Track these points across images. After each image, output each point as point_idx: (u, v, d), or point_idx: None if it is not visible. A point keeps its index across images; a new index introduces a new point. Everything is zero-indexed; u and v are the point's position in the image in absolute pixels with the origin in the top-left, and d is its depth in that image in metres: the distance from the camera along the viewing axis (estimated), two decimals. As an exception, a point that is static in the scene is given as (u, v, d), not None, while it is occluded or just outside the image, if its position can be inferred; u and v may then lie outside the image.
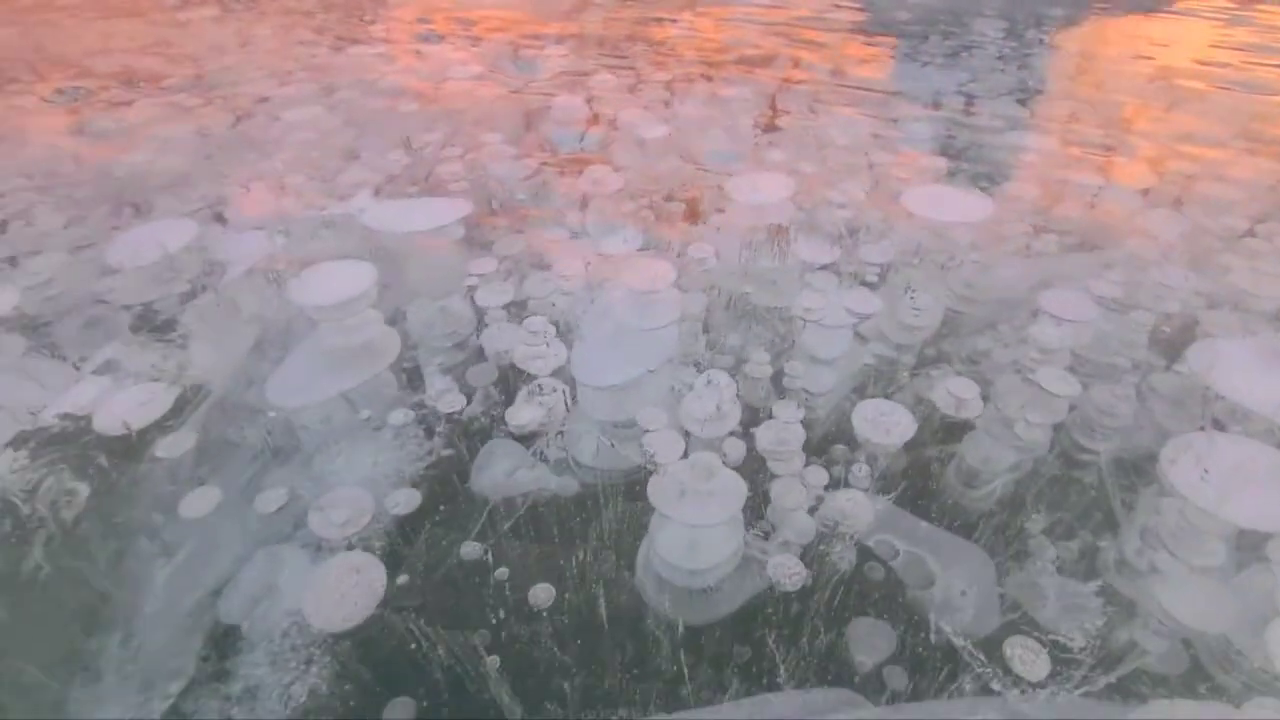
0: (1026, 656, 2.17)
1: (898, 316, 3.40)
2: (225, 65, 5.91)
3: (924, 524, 2.90)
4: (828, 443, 2.94)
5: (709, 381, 2.62)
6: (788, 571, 2.28)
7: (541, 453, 2.98)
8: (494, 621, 2.25)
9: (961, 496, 3.04)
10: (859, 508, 2.69)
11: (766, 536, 2.69)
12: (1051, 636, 2.30)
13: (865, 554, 2.72)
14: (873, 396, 3.24)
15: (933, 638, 2.30)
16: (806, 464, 2.77)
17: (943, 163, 4.32)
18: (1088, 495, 3.00)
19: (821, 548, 2.51)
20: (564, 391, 2.93)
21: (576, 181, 4.01)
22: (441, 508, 2.84)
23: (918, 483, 2.90)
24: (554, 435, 2.98)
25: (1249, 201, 3.77)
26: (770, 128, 4.78)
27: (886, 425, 2.60)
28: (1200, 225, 3.64)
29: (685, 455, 2.57)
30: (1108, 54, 5.99)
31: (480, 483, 2.99)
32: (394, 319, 3.50)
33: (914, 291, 3.16)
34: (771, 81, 5.51)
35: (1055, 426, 2.96)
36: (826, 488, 2.65)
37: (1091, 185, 4.01)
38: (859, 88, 5.53)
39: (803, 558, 2.50)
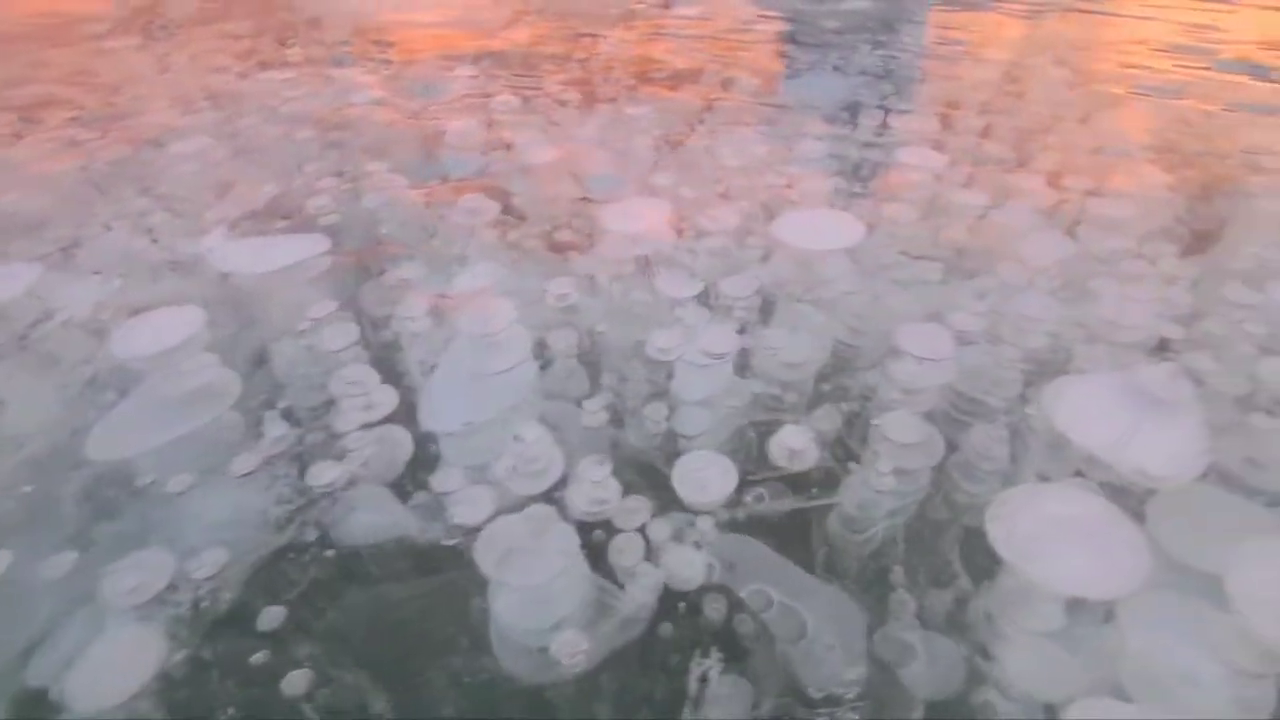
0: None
1: (762, 356, 3.27)
2: (136, 95, 5.83)
3: (801, 573, 2.78)
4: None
5: (515, 437, 2.48)
6: (569, 651, 2.13)
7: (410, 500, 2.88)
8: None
9: (843, 543, 2.92)
10: (686, 564, 2.56)
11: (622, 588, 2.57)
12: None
13: (737, 605, 2.61)
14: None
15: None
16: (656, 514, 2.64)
17: (837, 184, 4.17)
18: (968, 542, 2.88)
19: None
20: (385, 442, 2.82)
21: (451, 212, 3.88)
22: (293, 556, 2.74)
23: (801, 528, 2.82)
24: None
25: (1141, 219, 3.61)
26: (670, 149, 4.65)
27: (701, 481, 2.45)
28: (1086, 247, 3.48)
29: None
30: (1031, 61, 5.85)
31: (336, 533, 2.88)
32: (259, 360, 3.41)
33: (764, 330, 3.02)
34: (683, 99, 5.39)
35: (936, 469, 2.81)
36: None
37: (985, 205, 3.86)
38: (773, 104, 5.40)
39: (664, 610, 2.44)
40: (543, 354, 3.33)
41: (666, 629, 2.55)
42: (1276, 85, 5.42)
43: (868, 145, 4.78)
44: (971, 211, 3.79)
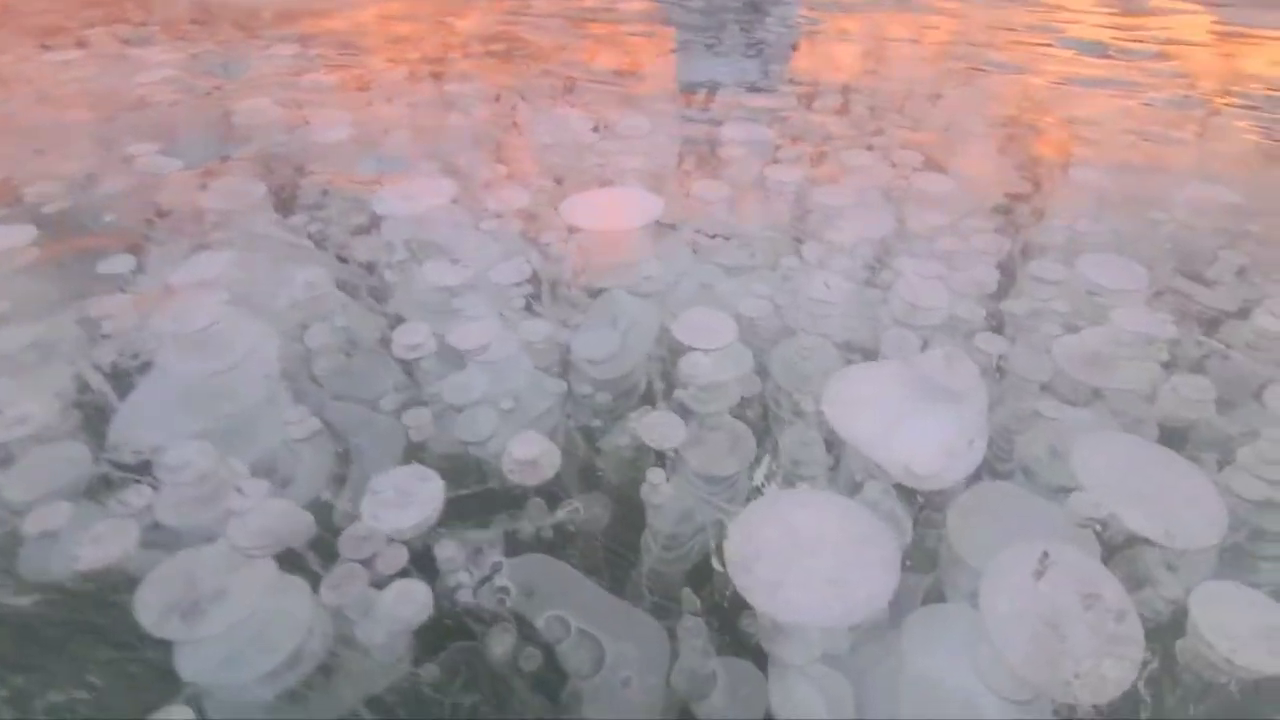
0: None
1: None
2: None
3: (607, 596, 2.37)
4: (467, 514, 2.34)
5: (166, 465, 1.98)
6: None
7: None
8: None
9: (656, 562, 2.53)
10: (411, 604, 2.09)
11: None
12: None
13: (529, 634, 2.15)
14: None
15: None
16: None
17: (656, 163, 3.80)
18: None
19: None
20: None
21: (208, 196, 3.35)
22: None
23: (615, 546, 2.49)
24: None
25: (964, 195, 3.36)
26: (483, 127, 4.20)
27: (392, 503, 2.00)
28: (904, 225, 3.20)
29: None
30: (892, 39, 5.66)
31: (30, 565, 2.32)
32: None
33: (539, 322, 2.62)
34: (518, 77, 4.97)
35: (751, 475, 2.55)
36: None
37: (811, 182, 3.55)
38: (628, 84, 5.03)
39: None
40: (291, 351, 2.85)
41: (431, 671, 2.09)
42: (1111, 60, 5.40)
43: (711, 123, 4.43)
44: (791, 189, 3.47)
